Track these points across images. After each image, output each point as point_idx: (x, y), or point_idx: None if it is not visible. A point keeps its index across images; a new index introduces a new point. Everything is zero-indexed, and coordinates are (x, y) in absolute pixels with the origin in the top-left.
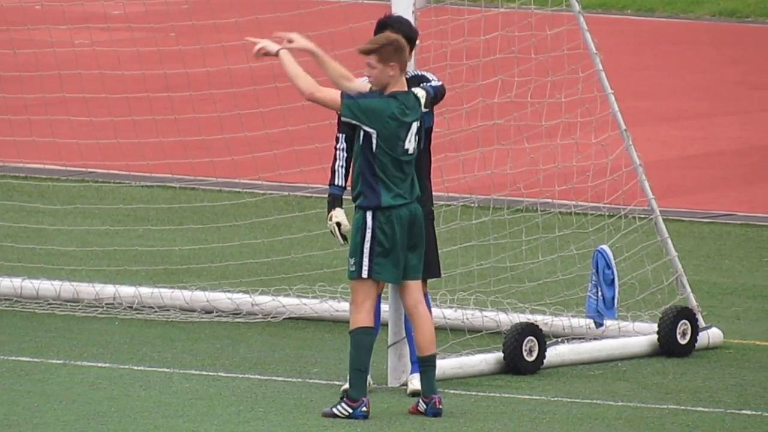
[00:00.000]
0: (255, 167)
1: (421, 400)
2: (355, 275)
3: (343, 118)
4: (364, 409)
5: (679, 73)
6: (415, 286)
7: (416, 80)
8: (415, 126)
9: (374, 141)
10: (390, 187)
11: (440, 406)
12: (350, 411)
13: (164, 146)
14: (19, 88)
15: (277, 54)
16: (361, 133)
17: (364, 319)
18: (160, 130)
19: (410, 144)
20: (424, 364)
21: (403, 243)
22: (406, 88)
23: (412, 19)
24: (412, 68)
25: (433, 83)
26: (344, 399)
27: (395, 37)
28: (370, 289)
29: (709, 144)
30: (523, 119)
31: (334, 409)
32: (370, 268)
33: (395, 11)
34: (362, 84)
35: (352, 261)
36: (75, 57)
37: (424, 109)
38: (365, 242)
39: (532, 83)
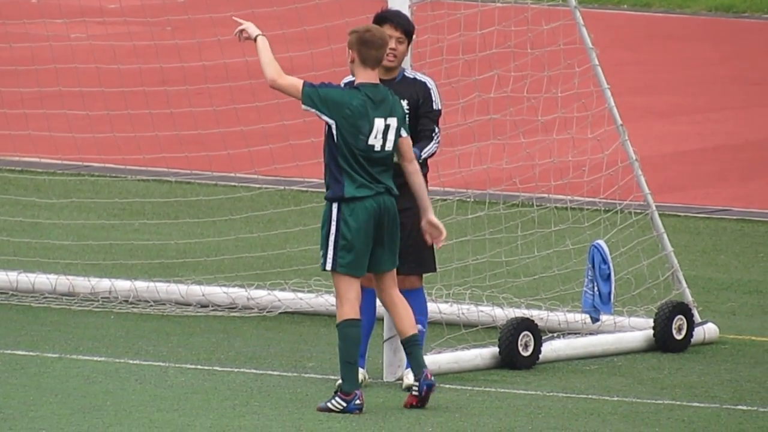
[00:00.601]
0: (251, 161)
1: (413, 384)
2: (322, 267)
3: (303, 107)
4: (358, 402)
5: (675, 69)
6: (388, 277)
7: (417, 85)
8: (380, 123)
9: (334, 132)
10: (354, 178)
11: (432, 378)
12: (344, 405)
13: (160, 140)
14: (15, 82)
15: (255, 39)
16: (325, 123)
17: (348, 311)
18: (156, 124)
19: (376, 141)
20: (408, 345)
21: (368, 236)
22: (376, 81)
23: (408, 14)
24: (409, 66)
25: (425, 151)
26: (338, 393)
27: (367, 28)
28: (351, 280)
29: (705, 139)
30: (519, 114)
31: (329, 404)
32: (334, 260)
33: (391, 6)
34: (293, 80)
35: (321, 253)
36: (71, 51)
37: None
38: (330, 234)
39: (528, 78)
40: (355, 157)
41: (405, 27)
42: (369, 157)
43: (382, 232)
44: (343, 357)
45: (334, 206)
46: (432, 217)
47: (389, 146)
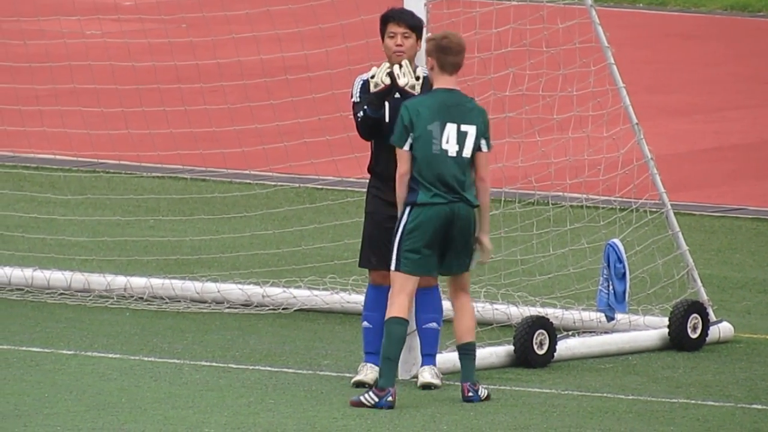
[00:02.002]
0: (266, 159)
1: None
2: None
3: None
4: (390, 398)
5: (690, 67)
6: (459, 278)
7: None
8: (452, 128)
9: (411, 143)
10: (428, 188)
11: (470, 394)
12: (376, 400)
13: (175, 137)
14: (30, 79)
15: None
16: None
17: (398, 310)
18: (170, 121)
19: (449, 146)
20: (461, 352)
21: (436, 240)
22: (452, 86)
23: (423, 12)
24: (423, 63)
25: None
26: (373, 388)
27: (444, 35)
28: (406, 280)
29: (720, 138)
30: (535, 112)
31: (362, 398)
32: (398, 260)
33: (407, 5)
34: (400, 154)
35: None
36: (86, 48)
37: None
38: (397, 235)
39: (543, 76)
40: (430, 166)
41: (408, 22)
42: (444, 162)
43: (453, 236)
44: (384, 353)
45: (407, 209)
46: (485, 238)
47: (467, 153)
